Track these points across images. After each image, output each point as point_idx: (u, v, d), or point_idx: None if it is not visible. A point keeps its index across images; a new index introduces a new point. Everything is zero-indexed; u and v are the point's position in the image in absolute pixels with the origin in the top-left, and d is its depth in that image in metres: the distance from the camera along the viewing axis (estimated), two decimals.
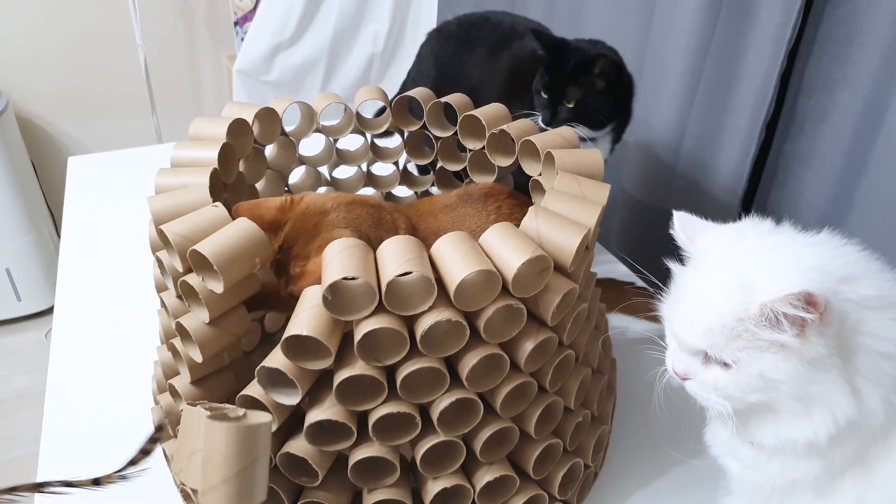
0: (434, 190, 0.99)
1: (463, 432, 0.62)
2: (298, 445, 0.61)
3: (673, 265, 0.59)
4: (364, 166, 0.98)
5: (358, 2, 2.09)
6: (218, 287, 0.57)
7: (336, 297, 0.55)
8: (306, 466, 0.61)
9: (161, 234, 0.60)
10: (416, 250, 0.57)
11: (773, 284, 0.49)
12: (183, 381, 0.67)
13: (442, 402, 0.59)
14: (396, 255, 0.56)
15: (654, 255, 1.42)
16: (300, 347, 0.57)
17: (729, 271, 0.52)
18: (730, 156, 1.16)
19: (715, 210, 1.21)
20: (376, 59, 2.17)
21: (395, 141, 0.96)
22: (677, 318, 0.55)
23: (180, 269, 0.61)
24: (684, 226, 0.60)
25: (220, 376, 0.68)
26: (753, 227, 0.57)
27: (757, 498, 0.62)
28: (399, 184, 0.99)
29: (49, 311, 2.48)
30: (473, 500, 0.65)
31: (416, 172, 1.02)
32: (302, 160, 0.90)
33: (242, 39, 2.23)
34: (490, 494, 0.65)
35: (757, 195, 1.16)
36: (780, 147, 1.11)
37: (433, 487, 0.63)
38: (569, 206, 0.66)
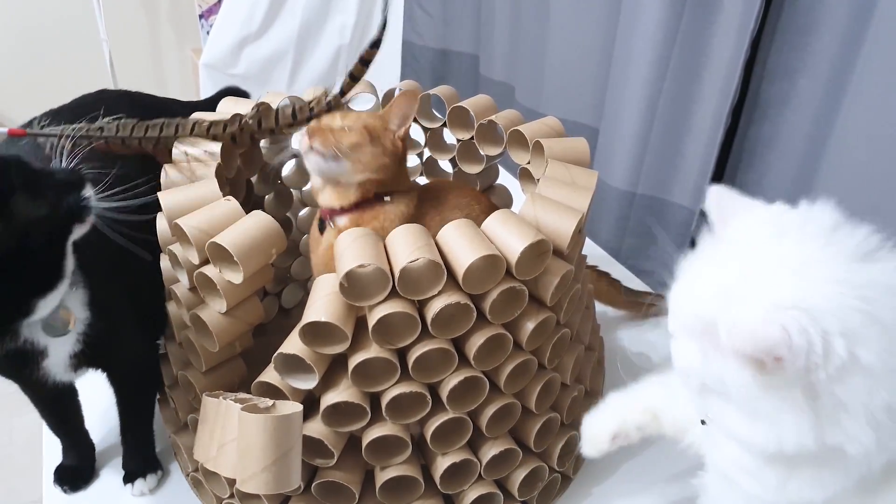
0: (421, 179, 1.02)
1: (470, 409, 0.65)
2: (314, 427, 0.63)
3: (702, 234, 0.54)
4: None
5: None
6: (237, 278, 0.60)
7: (352, 284, 0.58)
8: (321, 447, 0.64)
9: (176, 227, 0.62)
10: (424, 238, 0.60)
11: (740, 318, 0.44)
12: (195, 372, 0.69)
13: (451, 381, 0.63)
14: (407, 243, 0.59)
15: (621, 237, 1.48)
16: (316, 333, 0.60)
17: (730, 272, 0.47)
18: (698, 140, 1.20)
19: (684, 192, 1.26)
20: (343, 50, 2.17)
21: None
22: (678, 287, 0.52)
23: (196, 262, 0.63)
24: (720, 203, 0.53)
25: (232, 364, 0.70)
26: (805, 224, 0.48)
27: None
28: None
29: None
30: (480, 473, 0.68)
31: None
32: (295, 154, 0.92)
33: (208, 33, 2.21)
34: (495, 467, 0.69)
35: (724, 178, 1.22)
36: (745, 132, 1.16)
37: (443, 463, 0.66)
38: (562, 192, 0.70)
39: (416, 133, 0.97)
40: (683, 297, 0.51)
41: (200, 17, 2.30)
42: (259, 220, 0.61)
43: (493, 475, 0.69)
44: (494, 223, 0.63)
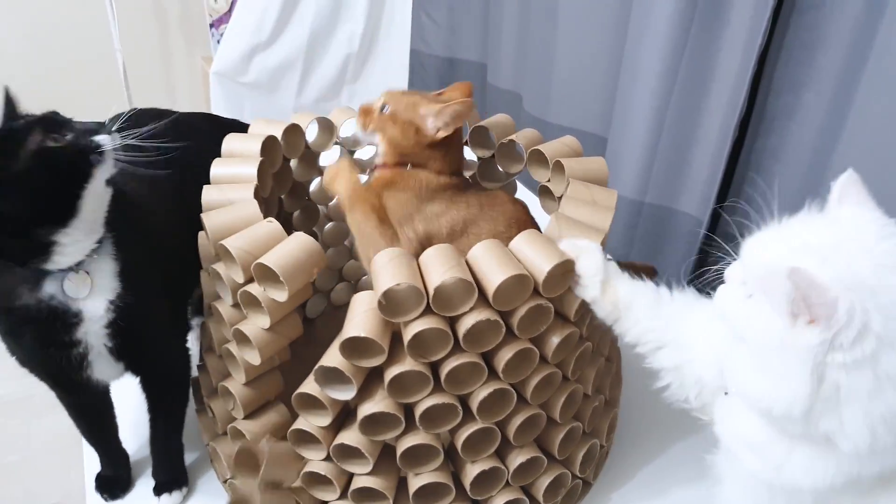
0: None
1: (498, 419, 0.68)
2: (351, 436, 0.67)
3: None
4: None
5: (333, 2, 2.12)
6: (282, 296, 0.63)
7: (389, 301, 0.61)
8: (358, 455, 0.67)
9: (222, 248, 0.65)
10: (455, 258, 0.64)
11: (813, 272, 0.47)
12: (236, 384, 0.72)
13: (481, 393, 0.66)
14: (440, 263, 0.62)
15: (630, 245, 1.51)
16: (354, 348, 0.63)
17: (825, 241, 0.51)
18: (705, 152, 1.24)
19: (691, 202, 1.29)
20: (352, 59, 2.21)
21: None
22: (762, 235, 0.56)
23: (240, 281, 0.66)
24: (847, 186, 0.56)
25: (270, 376, 0.74)
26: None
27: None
28: None
29: None
30: (507, 480, 0.72)
31: None
32: (321, 171, 0.95)
33: (218, 42, 2.24)
34: (521, 475, 0.72)
35: (731, 188, 1.25)
36: (751, 144, 1.19)
37: (472, 470, 0.70)
38: (584, 211, 0.73)
39: None
40: (764, 248, 0.55)
41: (211, 26, 2.33)
42: (302, 242, 0.64)
43: (519, 482, 0.73)
44: (522, 244, 0.66)
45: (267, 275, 0.63)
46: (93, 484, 0.83)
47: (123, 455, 0.85)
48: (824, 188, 1.06)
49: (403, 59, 2.09)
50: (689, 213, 1.30)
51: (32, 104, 0.66)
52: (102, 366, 0.72)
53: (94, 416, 0.82)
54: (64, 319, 0.66)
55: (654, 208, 1.36)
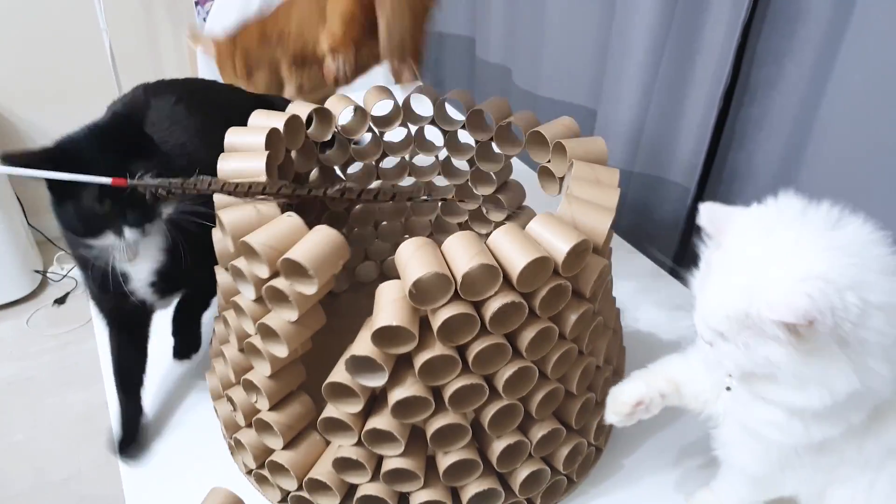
0: (440, 179, 1.07)
1: (522, 395, 0.71)
2: (382, 420, 0.69)
3: (702, 247, 0.64)
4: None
5: None
6: (311, 289, 0.65)
7: (419, 290, 0.63)
8: (389, 438, 0.70)
9: (244, 245, 0.66)
10: (478, 245, 0.66)
11: (771, 296, 0.53)
12: (260, 375, 0.74)
13: (506, 372, 0.68)
14: (465, 250, 0.64)
15: (619, 213, 1.55)
16: (385, 336, 0.65)
17: (744, 269, 0.56)
18: (692, 122, 1.27)
19: (678, 171, 1.33)
20: None
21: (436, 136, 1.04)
22: (702, 301, 0.61)
23: (263, 276, 0.67)
24: (712, 217, 0.61)
25: (294, 368, 0.75)
26: (781, 213, 0.59)
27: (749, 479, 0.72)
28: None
29: (29, 297, 2.47)
30: (530, 452, 0.75)
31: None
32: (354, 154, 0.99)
33: (204, 19, 2.22)
34: (543, 446, 0.76)
35: (716, 157, 1.29)
36: (735, 113, 1.22)
37: (498, 445, 0.72)
38: (591, 191, 0.76)
39: (435, 135, 1.02)
40: (713, 306, 0.60)
41: (196, 3, 2.30)
42: (326, 234, 0.66)
43: (540, 453, 0.76)
44: (539, 226, 0.68)
45: (294, 269, 0.65)
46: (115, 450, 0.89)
47: (140, 410, 0.92)
48: (805, 155, 1.12)
49: None
50: (677, 182, 1.34)
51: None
52: (145, 294, 0.87)
53: (130, 361, 0.93)
54: (116, 276, 0.82)
55: (644, 177, 1.39)
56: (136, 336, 0.93)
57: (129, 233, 0.77)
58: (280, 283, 0.66)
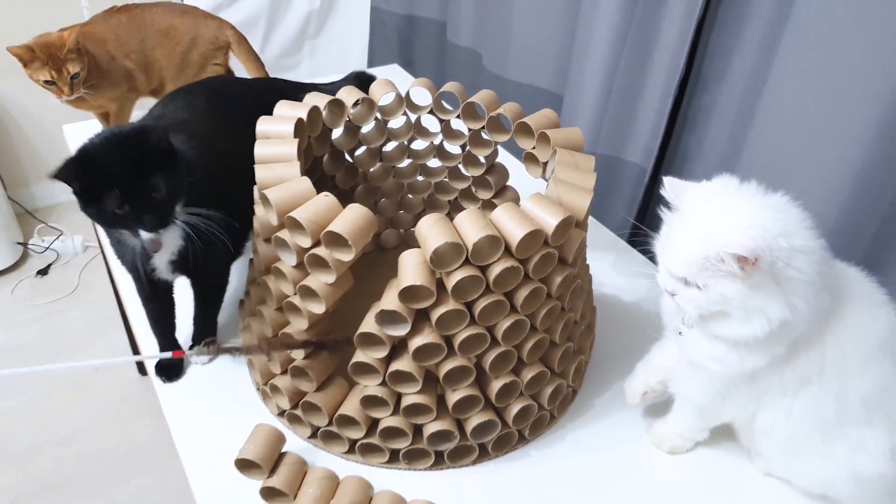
0: (434, 161, 1.20)
1: (515, 343, 0.87)
2: (404, 364, 0.84)
3: (664, 214, 0.81)
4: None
5: None
6: (348, 256, 0.79)
7: (437, 256, 0.78)
8: (408, 379, 0.85)
9: (291, 220, 0.80)
10: (484, 220, 0.80)
11: (726, 238, 0.70)
12: (296, 329, 0.88)
13: (504, 324, 0.84)
14: (474, 224, 0.79)
15: None
16: (408, 294, 0.80)
17: (702, 223, 0.73)
18: (649, 108, 1.43)
19: (637, 152, 1.49)
20: (313, 15, 2.28)
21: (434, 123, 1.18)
22: (668, 254, 0.78)
23: (305, 246, 0.81)
24: (673, 187, 0.79)
25: (323, 322, 0.89)
26: (724, 186, 0.77)
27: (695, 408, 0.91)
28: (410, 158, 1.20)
29: (12, 268, 2.53)
30: (521, 391, 0.91)
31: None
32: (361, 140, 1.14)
33: (182, 1, 2.27)
34: (532, 386, 0.92)
35: (671, 140, 1.45)
36: (689, 101, 1.39)
37: (496, 384, 0.88)
38: (572, 174, 0.91)
39: (431, 122, 1.15)
40: (678, 254, 0.76)
41: None
42: (360, 211, 0.80)
43: (530, 391, 0.92)
44: (532, 205, 0.83)
45: (334, 240, 0.79)
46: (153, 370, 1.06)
47: (176, 344, 1.08)
48: (748, 138, 1.29)
49: (364, 16, 2.18)
50: (635, 163, 1.50)
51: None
52: (165, 274, 1.01)
53: (160, 307, 1.08)
54: (141, 257, 0.97)
55: (605, 158, 1.55)
56: (160, 295, 1.06)
57: (145, 235, 0.88)
58: (321, 251, 0.80)
